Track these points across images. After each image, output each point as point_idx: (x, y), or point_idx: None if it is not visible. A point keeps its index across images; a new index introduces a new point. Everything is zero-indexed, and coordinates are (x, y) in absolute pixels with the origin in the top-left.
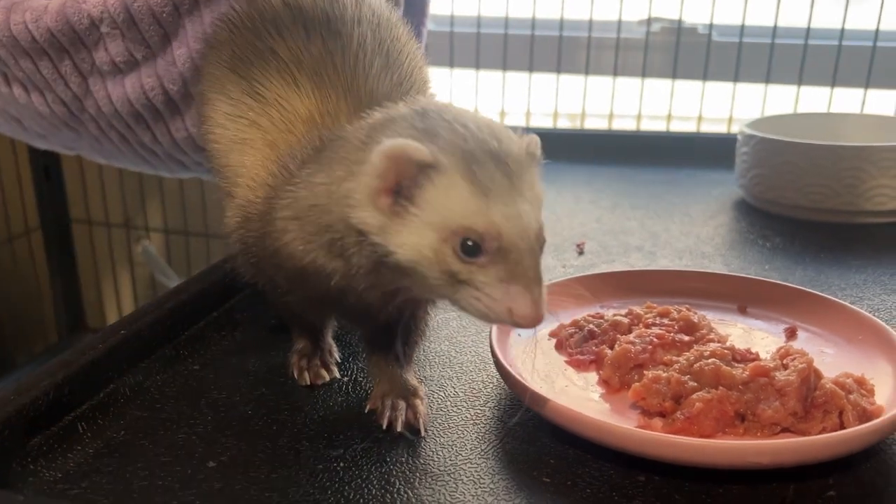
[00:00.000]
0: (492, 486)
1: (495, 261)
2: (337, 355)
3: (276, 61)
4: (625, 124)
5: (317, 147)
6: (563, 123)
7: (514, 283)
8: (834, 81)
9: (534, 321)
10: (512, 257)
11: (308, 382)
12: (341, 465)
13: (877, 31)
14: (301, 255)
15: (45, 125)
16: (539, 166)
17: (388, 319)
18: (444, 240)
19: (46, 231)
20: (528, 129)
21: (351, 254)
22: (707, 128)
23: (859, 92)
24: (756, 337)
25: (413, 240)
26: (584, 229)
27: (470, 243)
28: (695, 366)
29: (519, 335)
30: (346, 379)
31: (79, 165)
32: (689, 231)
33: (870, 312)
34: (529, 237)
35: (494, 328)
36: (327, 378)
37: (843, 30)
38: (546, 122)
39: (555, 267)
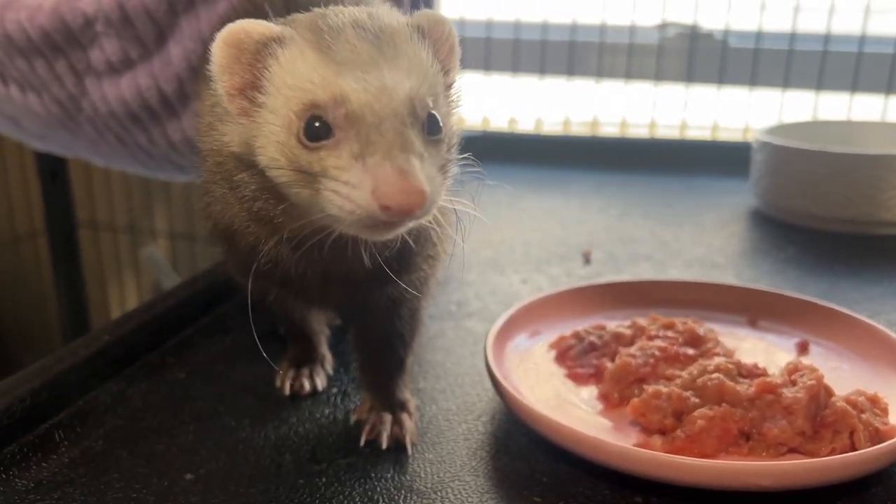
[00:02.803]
0: None
1: (347, 136)
2: (329, 367)
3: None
4: (638, 131)
5: None
6: (576, 130)
7: (371, 155)
8: (853, 88)
9: (405, 196)
10: (367, 124)
11: (289, 392)
12: (323, 480)
13: None
14: (219, 215)
15: (41, 125)
16: (436, 42)
17: (354, 305)
18: (289, 127)
19: (52, 234)
20: (538, 136)
21: (241, 188)
22: (722, 135)
23: (879, 98)
24: (767, 351)
25: (264, 137)
26: (591, 238)
27: (317, 124)
28: (698, 381)
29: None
30: (335, 390)
31: (85, 168)
32: (700, 240)
33: (887, 327)
34: (390, 101)
35: (489, 337)
36: (308, 388)
37: (863, 35)
38: (557, 128)
39: (559, 276)
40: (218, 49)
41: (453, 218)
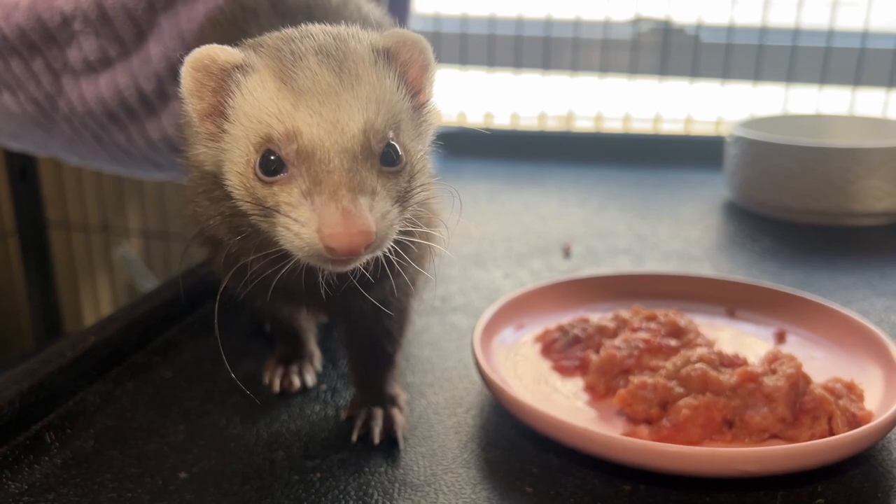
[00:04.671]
0: (473, 496)
1: (299, 172)
2: (318, 364)
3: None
4: (612, 125)
5: None
6: (551, 124)
7: (319, 194)
8: (822, 81)
9: (348, 237)
10: (316, 161)
11: (278, 389)
12: (317, 475)
13: (865, 31)
14: (205, 223)
15: (16, 125)
16: (405, 64)
17: (343, 311)
18: (247, 160)
19: (22, 235)
20: (514, 131)
21: (219, 203)
22: (694, 128)
23: (847, 91)
24: (745, 341)
25: (228, 164)
26: (570, 232)
27: (272, 157)
28: (682, 371)
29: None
30: (324, 387)
31: (56, 167)
32: (677, 233)
33: (859, 315)
34: (342, 136)
35: (476, 331)
36: (297, 385)
37: (831, 30)
38: (533, 123)
39: (540, 270)
40: (185, 73)
41: (439, 219)
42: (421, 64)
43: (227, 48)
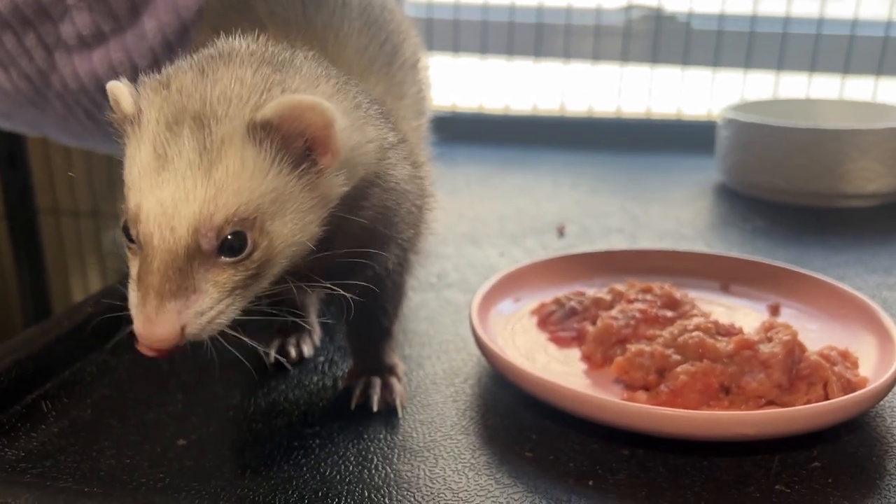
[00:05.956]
0: (472, 461)
1: (140, 253)
2: (317, 337)
3: (251, 14)
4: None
5: None
6: (543, 111)
7: (136, 290)
8: (812, 69)
9: (148, 342)
10: (143, 255)
11: (273, 361)
12: (317, 442)
13: (854, 19)
14: None
15: (8, 103)
16: (291, 135)
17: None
18: (122, 215)
19: (12, 221)
20: (507, 116)
21: None
22: (686, 115)
23: (836, 79)
24: (740, 314)
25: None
26: (563, 213)
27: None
28: (679, 339)
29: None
30: (321, 359)
31: (45, 152)
32: (669, 214)
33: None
34: (170, 234)
35: (474, 302)
36: (294, 355)
37: (821, 18)
38: (526, 109)
39: (535, 249)
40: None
41: (433, 199)
42: (321, 124)
43: (126, 94)
